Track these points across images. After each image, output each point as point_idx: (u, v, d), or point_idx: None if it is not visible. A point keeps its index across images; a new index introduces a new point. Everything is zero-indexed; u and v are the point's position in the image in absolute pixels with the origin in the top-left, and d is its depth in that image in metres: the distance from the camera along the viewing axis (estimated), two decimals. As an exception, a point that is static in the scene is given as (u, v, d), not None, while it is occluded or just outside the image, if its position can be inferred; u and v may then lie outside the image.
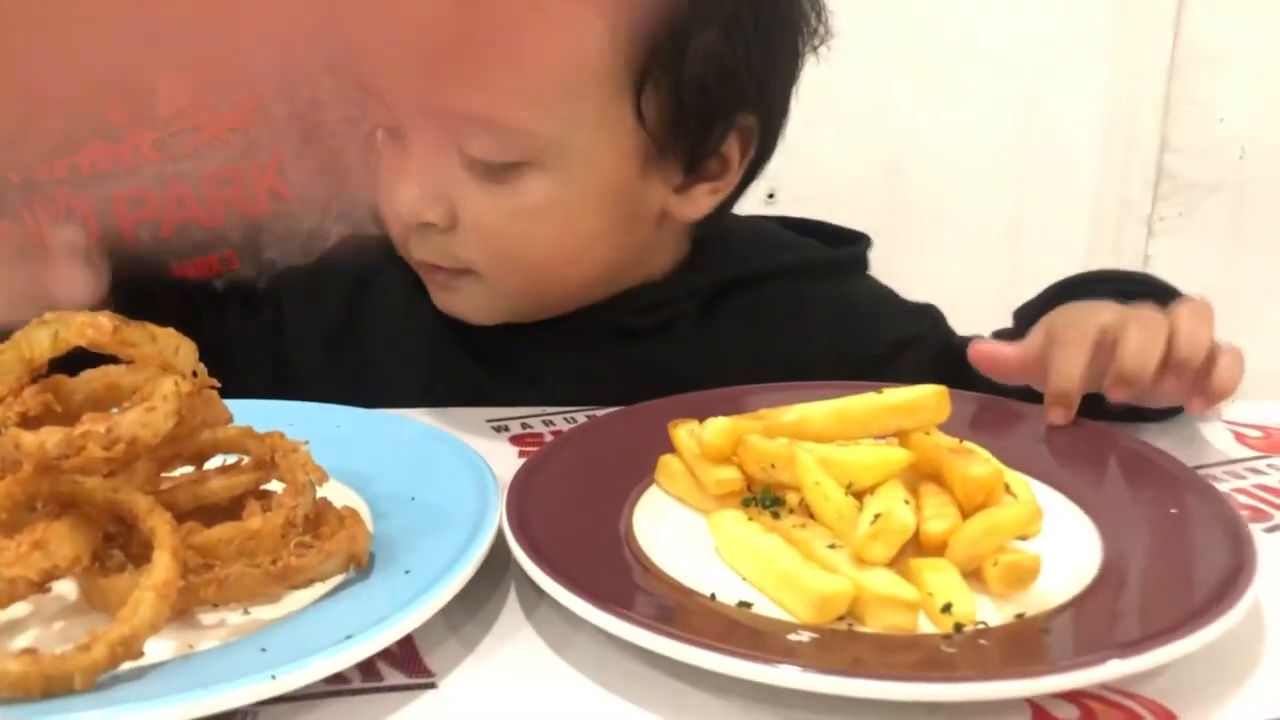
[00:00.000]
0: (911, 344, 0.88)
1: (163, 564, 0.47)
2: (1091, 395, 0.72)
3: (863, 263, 0.91)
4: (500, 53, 0.70)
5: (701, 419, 0.62)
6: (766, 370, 0.77)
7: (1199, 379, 0.68)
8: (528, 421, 0.78)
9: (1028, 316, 0.76)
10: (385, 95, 0.75)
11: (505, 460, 0.68)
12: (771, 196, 1.60)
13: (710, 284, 0.85)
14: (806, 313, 0.86)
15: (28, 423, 0.51)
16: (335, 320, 0.89)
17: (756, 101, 0.78)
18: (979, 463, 0.56)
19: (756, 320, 0.85)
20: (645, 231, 0.80)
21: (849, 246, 0.90)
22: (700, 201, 0.80)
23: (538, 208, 0.74)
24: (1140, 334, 0.67)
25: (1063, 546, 0.55)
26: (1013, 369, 0.73)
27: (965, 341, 0.87)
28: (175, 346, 0.55)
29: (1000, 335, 0.81)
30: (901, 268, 0.94)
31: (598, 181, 0.75)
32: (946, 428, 0.61)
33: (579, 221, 0.76)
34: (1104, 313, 0.70)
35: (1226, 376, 0.68)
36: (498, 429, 0.77)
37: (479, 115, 0.72)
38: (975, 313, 0.91)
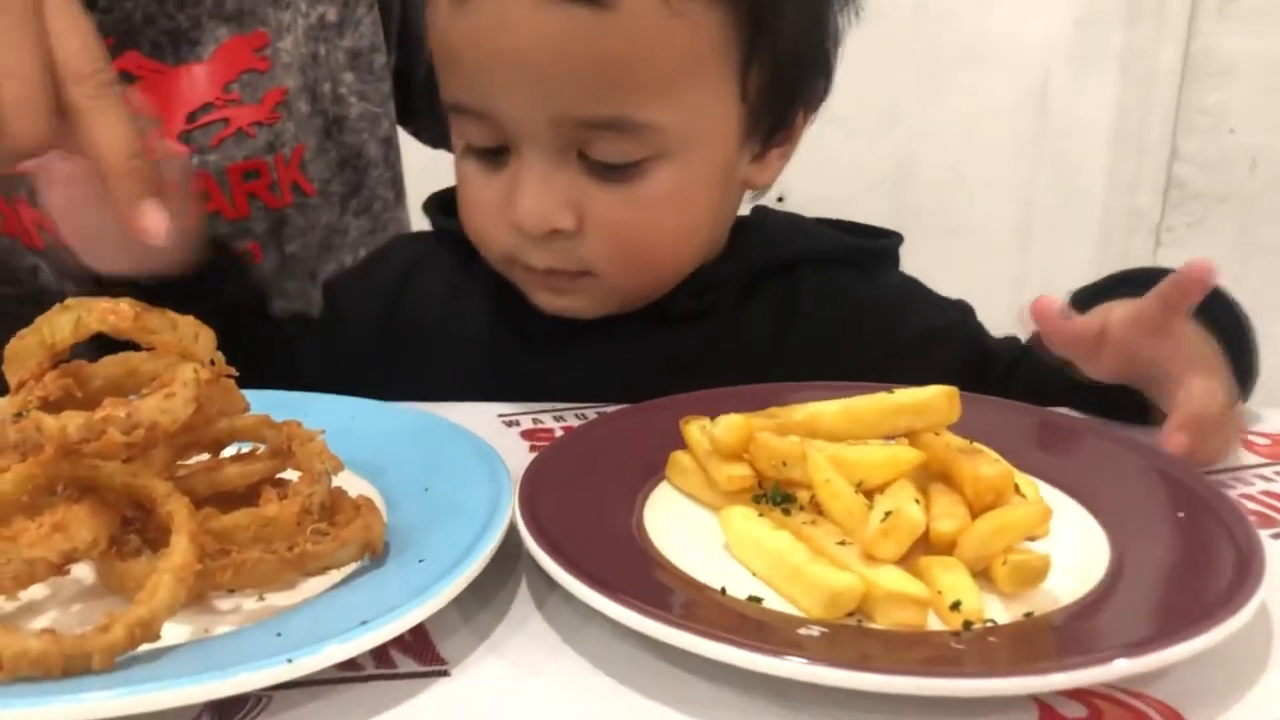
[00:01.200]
0: (943, 335, 0.89)
1: (180, 548, 0.48)
2: (1110, 399, 0.73)
3: (894, 256, 0.92)
4: (632, 57, 0.71)
5: (712, 416, 0.62)
6: (798, 357, 0.78)
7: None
8: (538, 417, 0.78)
9: (1085, 300, 0.75)
10: (508, 114, 0.74)
11: (516, 454, 0.68)
12: (781, 200, 1.61)
13: (748, 269, 0.87)
14: (838, 299, 0.88)
15: (49, 407, 0.52)
16: (381, 313, 0.91)
17: (825, 69, 0.82)
18: (989, 463, 0.56)
19: (790, 306, 0.87)
20: (734, 205, 0.84)
21: (881, 239, 0.91)
22: (773, 166, 0.83)
23: (663, 198, 0.76)
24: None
25: (1071, 548, 0.55)
26: (1066, 336, 0.71)
27: (996, 340, 0.88)
28: (195, 334, 0.55)
29: None
30: (910, 273, 0.95)
31: (712, 163, 0.77)
32: (957, 429, 0.62)
33: (698, 205, 0.78)
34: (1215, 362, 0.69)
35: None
36: (509, 423, 0.77)
37: (613, 119, 0.73)
38: (983, 318, 0.92)
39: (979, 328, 0.92)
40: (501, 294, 0.86)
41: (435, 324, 0.89)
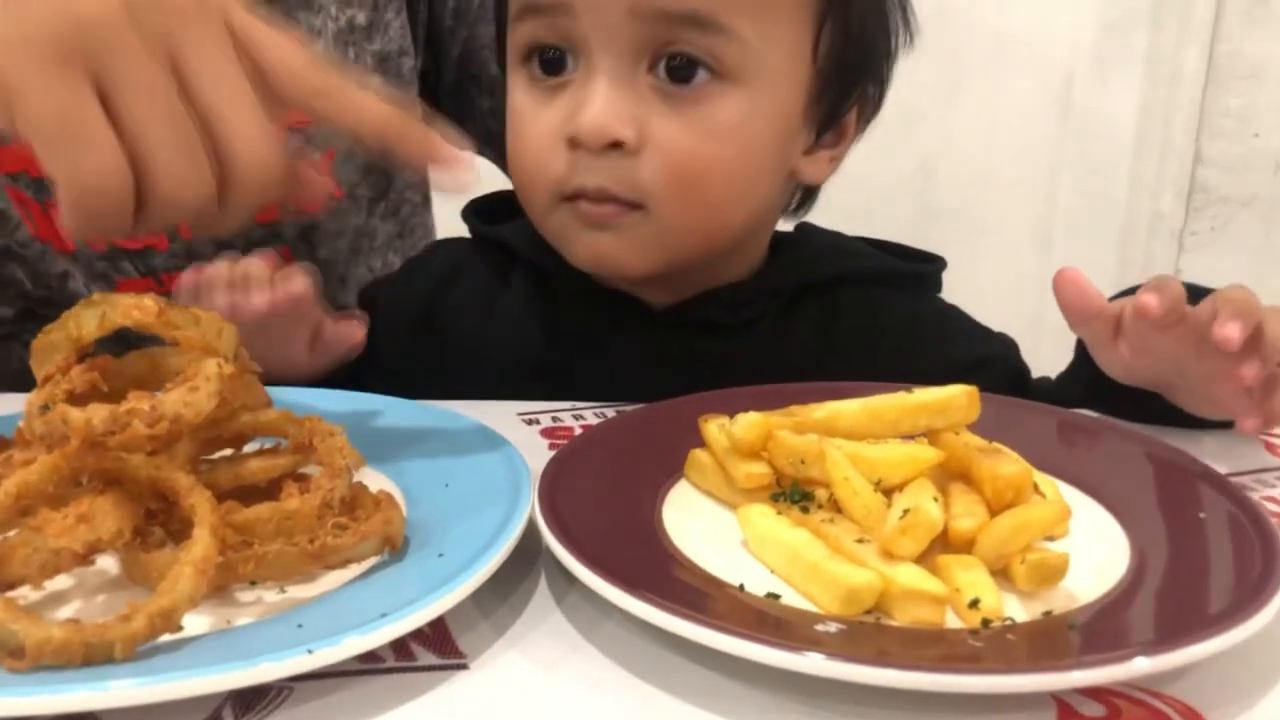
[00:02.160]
0: (984, 365, 0.87)
1: (202, 540, 0.48)
2: (1133, 399, 0.73)
3: (937, 281, 0.91)
4: None
5: (731, 415, 0.62)
6: (837, 375, 0.78)
7: (1266, 395, 0.67)
8: (558, 415, 0.79)
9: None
10: (588, 2, 0.73)
11: (536, 452, 0.68)
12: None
13: (791, 284, 0.86)
14: (879, 321, 0.87)
15: (74, 401, 0.52)
16: (419, 317, 0.91)
17: (880, 72, 0.83)
18: (1008, 461, 0.56)
19: (830, 325, 0.87)
20: (781, 189, 0.84)
21: (925, 264, 0.91)
22: (822, 166, 0.84)
23: (727, 127, 0.75)
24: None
25: (1091, 548, 0.55)
26: (1088, 310, 0.70)
27: (1038, 380, 0.87)
28: (218, 330, 0.56)
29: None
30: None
31: (777, 108, 0.77)
32: (976, 429, 0.62)
33: (759, 147, 0.78)
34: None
35: None
36: (529, 421, 0.77)
37: (696, 11, 0.72)
38: (1004, 322, 0.91)
39: (1022, 362, 0.91)
40: (536, 302, 0.87)
41: (471, 329, 0.89)
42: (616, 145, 0.74)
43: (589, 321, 0.86)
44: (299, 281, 0.77)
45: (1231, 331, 0.62)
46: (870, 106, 0.84)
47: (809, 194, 0.89)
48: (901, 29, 0.84)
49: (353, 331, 0.81)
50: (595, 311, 0.86)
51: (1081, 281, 0.70)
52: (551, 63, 0.76)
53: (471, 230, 0.92)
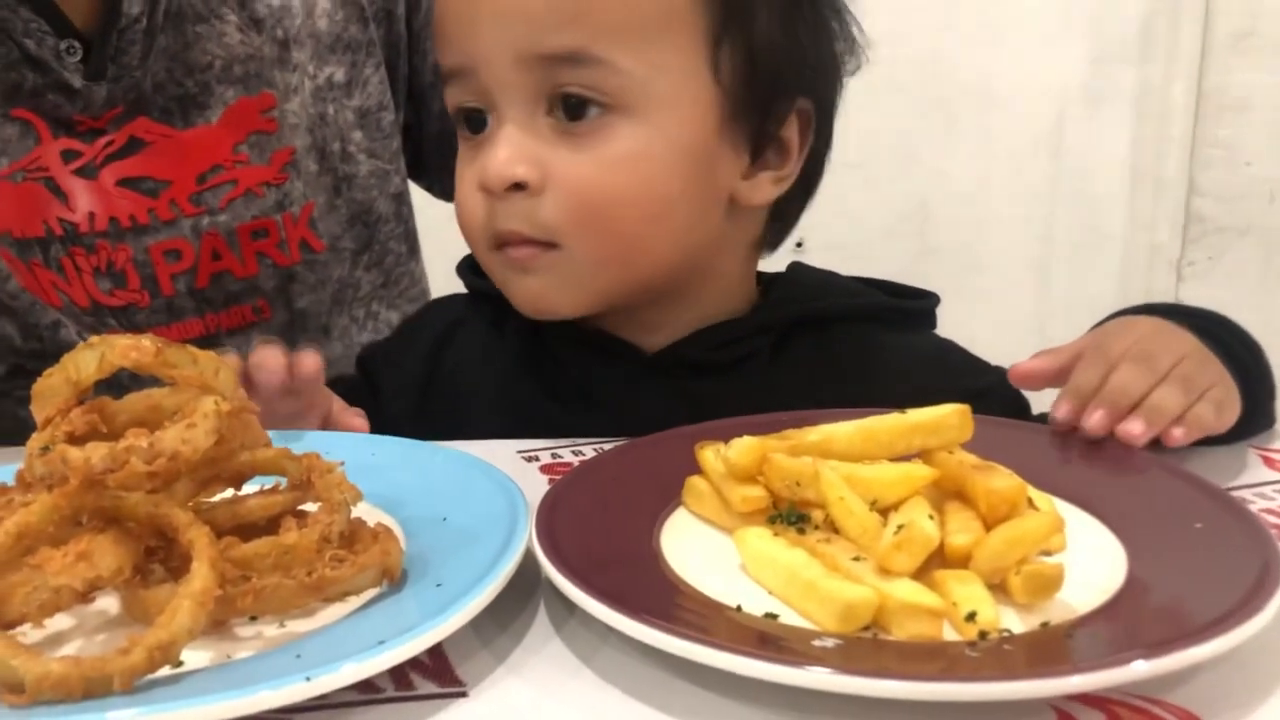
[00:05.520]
0: (984, 396, 0.86)
1: (201, 574, 0.48)
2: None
3: (931, 318, 0.92)
4: None
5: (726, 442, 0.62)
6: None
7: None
8: (557, 452, 0.79)
9: None
10: (484, 59, 0.76)
11: (535, 487, 0.68)
12: (800, 245, 1.62)
13: (781, 320, 0.86)
14: (874, 358, 0.87)
15: (74, 442, 0.53)
16: (420, 376, 0.92)
17: (813, 85, 0.82)
18: (1002, 477, 0.56)
19: (824, 363, 0.86)
20: (718, 215, 0.82)
21: (918, 300, 0.92)
22: (764, 188, 0.83)
23: (624, 157, 0.77)
24: (1126, 371, 0.70)
25: (1088, 561, 0.55)
26: (1052, 376, 0.75)
27: (1038, 416, 0.88)
28: (216, 369, 0.57)
29: None
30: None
31: (679, 132, 0.78)
32: (970, 448, 0.62)
33: (662, 176, 0.78)
34: (1126, 338, 0.71)
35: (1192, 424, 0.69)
36: (528, 459, 0.78)
37: (574, 51, 0.74)
38: (1004, 358, 0.91)
39: (1019, 394, 0.91)
40: (532, 350, 0.87)
41: (470, 385, 0.90)
42: (520, 186, 0.77)
43: (584, 366, 0.86)
44: (311, 360, 0.79)
45: (1062, 412, 0.72)
46: (812, 120, 0.83)
47: (780, 222, 0.89)
48: (840, 40, 0.83)
49: (357, 426, 0.83)
50: (588, 356, 0.86)
51: (1030, 371, 0.76)
52: (474, 121, 0.80)
53: (467, 285, 0.93)
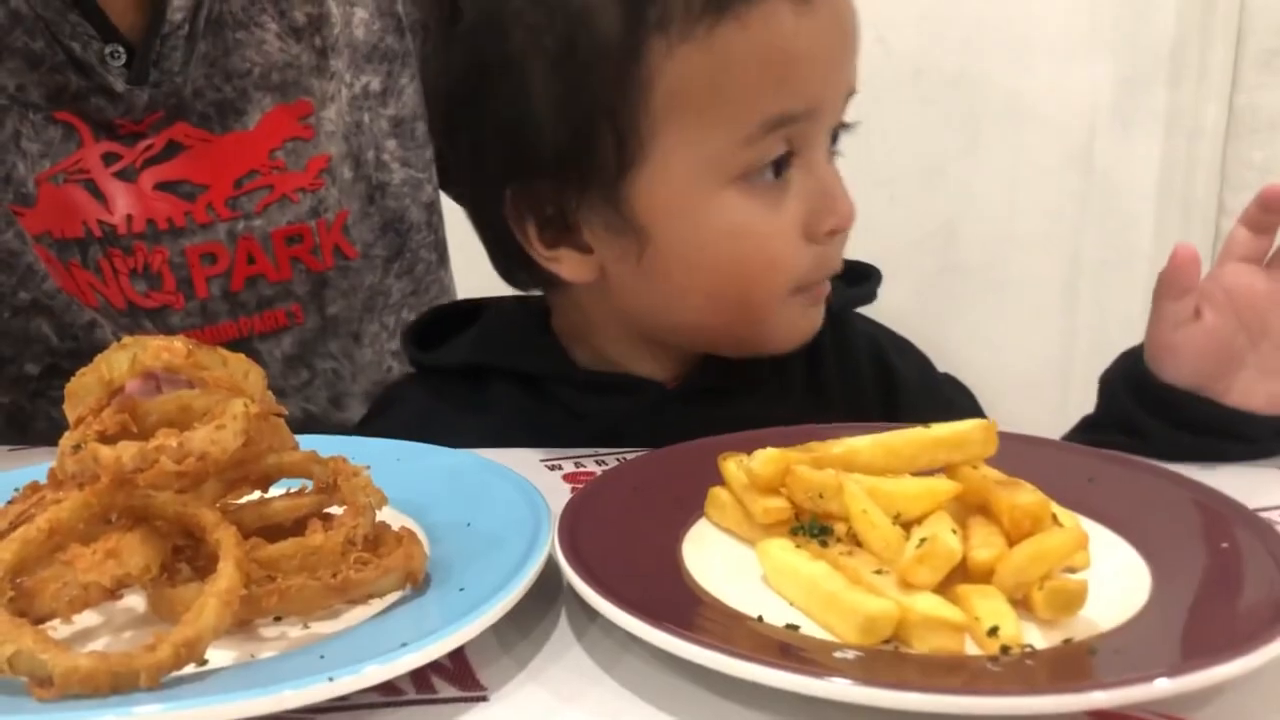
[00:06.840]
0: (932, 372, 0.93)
1: (227, 572, 0.49)
2: (1161, 435, 0.75)
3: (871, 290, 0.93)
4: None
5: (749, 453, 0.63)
6: (851, 410, 0.83)
7: None
8: (581, 461, 0.79)
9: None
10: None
11: (558, 495, 0.69)
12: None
13: None
14: (852, 348, 0.91)
15: (105, 441, 0.54)
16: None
17: None
18: (1026, 492, 0.56)
19: (844, 359, 0.90)
20: None
21: (865, 282, 0.92)
22: None
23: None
24: None
25: (1112, 578, 0.55)
26: (1190, 287, 0.78)
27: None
28: (245, 371, 0.57)
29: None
30: (956, 332, 0.95)
31: None
32: (994, 464, 0.62)
33: None
34: None
35: None
36: (551, 467, 0.78)
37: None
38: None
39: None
40: (525, 407, 0.86)
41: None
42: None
43: (595, 409, 0.85)
44: None
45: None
46: None
47: None
48: None
49: None
50: (598, 399, 0.85)
51: (1197, 263, 0.77)
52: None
53: (416, 363, 0.91)
